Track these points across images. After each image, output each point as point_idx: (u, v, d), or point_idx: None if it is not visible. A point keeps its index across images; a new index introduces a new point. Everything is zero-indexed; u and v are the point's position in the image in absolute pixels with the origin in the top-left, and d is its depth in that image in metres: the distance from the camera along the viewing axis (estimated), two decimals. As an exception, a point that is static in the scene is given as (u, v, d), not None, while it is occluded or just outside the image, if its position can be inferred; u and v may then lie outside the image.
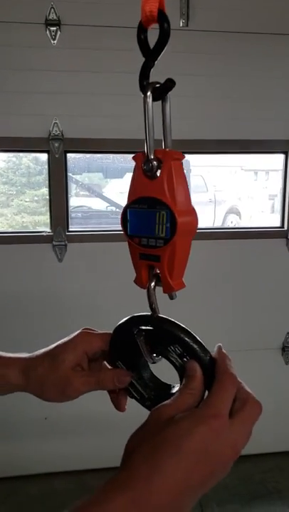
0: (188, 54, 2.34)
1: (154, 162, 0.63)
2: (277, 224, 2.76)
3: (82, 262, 2.53)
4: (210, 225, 4.08)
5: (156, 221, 0.63)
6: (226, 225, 5.16)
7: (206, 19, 2.37)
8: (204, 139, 2.51)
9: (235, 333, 2.63)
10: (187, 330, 0.65)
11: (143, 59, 0.63)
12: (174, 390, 0.68)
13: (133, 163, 0.64)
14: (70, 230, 2.54)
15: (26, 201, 3.21)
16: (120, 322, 0.74)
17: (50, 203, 2.51)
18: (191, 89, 2.42)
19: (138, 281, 0.70)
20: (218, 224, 5.23)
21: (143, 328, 0.68)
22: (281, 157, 2.70)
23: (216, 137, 2.52)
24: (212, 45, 2.39)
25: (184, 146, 2.53)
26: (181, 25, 2.32)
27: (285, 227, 2.69)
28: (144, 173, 0.65)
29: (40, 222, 3.11)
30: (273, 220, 2.95)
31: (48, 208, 2.54)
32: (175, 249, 0.63)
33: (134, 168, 0.66)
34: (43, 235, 2.50)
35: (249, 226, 3.23)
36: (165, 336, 0.66)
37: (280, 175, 2.78)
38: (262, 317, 2.71)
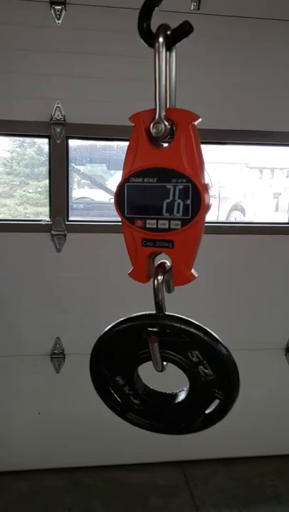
0: (197, 39, 2.23)
1: (167, 124, 0.52)
2: (285, 220, 2.66)
3: (81, 253, 2.44)
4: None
5: (171, 198, 0.52)
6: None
7: (219, 3, 2.26)
8: (210, 129, 2.40)
9: (238, 331, 2.52)
10: (209, 332, 0.55)
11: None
12: (180, 398, 0.59)
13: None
14: (70, 219, 2.45)
15: (29, 192, 3.13)
16: (122, 321, 0.59)
17: (50, 190, 2.41)
18: (200, 76, 2.31)
19: (136, 275, 0.56)
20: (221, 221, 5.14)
21: (154, 330, 0.56)
22: (288, 150, 2.60)
23: (221, 127, 2.41)
24: (224, 31, 2.29)
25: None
26: (192, 8, 2.22)
27: (293, 223, 2.60)
28: (149, 138, 0.54)
29: (43, 214, 3.04)
30: (278, 218, 2.86)
31: (50, 198, 2.45)
32: (195, 231, 0.52)
33: (134, 132, 0.55)
34: (41, 224, 2.41)
35: (255, 221, 3.12)
36: (183, 340, 0.55)
37: (285, 173, 2.68)
38: (266, 315, 2.61)
